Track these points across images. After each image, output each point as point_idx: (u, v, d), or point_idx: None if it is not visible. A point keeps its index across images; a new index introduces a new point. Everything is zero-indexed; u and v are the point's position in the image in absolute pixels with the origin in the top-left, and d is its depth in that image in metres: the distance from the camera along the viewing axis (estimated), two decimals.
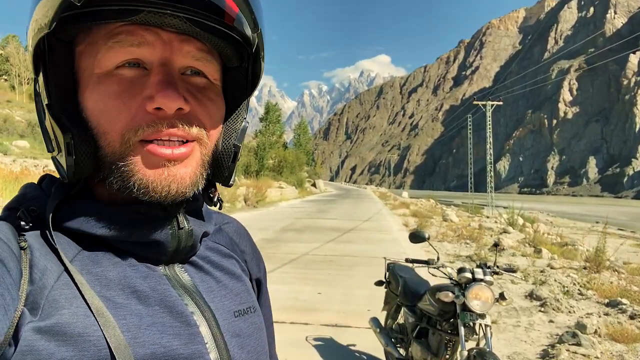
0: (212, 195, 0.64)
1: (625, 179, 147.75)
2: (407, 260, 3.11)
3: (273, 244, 10.10)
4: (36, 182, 0.57)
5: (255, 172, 35.33)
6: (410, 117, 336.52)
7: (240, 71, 0.61)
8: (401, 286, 3.39)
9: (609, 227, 10.08)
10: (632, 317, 4.87)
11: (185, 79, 0.53)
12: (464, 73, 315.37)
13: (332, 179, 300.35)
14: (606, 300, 5.61)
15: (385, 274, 3.77)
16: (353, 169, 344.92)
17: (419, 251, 8.78)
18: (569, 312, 5.27)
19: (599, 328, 4.39)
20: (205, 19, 0.50)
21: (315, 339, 4.28)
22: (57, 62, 0.51)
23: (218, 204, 0.66)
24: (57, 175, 0.55)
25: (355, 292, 6.02)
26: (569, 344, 3.97)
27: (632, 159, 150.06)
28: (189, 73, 0.53)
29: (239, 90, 0.62)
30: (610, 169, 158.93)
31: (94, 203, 0.53)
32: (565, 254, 10.08)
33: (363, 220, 17.06)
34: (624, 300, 5.38)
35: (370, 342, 4.03)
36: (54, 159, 0.54)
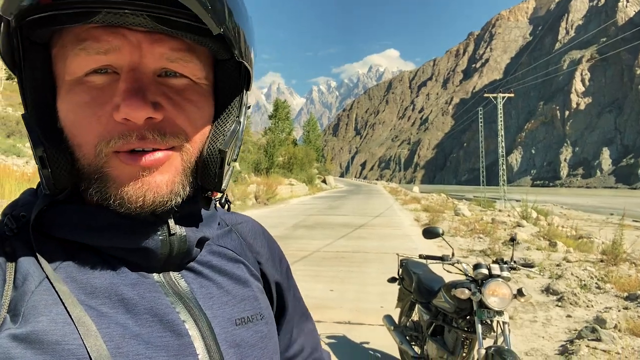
0: (209, 198, 0.60)
1: None
2: (420, 256, 3.05)
3: (284, 241, 10.08)
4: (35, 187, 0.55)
5: (266, 169, 35.31)
6: (420, 112, 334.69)
7: (232, 64, 0.54)
8: (415, 283, 3.32)
9: (625, 219, 9.87)
10: None
11: (163, 81, 0.48)
12: (473, 66, 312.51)
13: (342, 175, 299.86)
14: (625, 294, 5.49)
15: (398, 270, 3.71)
16: (363, 165, 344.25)
17: (432, 247, 8.69)
18: (587, 306, 5.16)
19: (619, 323, 4.28)
20: (172, 15, 0.45)
21: (329, 337, 4.24)
22: (32, 67, 0.47)
23: (226, 205, 0.62)
24: None
25: (367, 289, 5.97)
26: (589, 339, 3.87)
27: None
28: (167, 75, 0.49)
29: (231, 86, 0.55)
30: (624, 160, 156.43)
31: (81, 208, 0.50)
32: (580, 247, 9.91)
33: (374, 216, 16.97)
34: None
35: (384, 340, 3.97)
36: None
